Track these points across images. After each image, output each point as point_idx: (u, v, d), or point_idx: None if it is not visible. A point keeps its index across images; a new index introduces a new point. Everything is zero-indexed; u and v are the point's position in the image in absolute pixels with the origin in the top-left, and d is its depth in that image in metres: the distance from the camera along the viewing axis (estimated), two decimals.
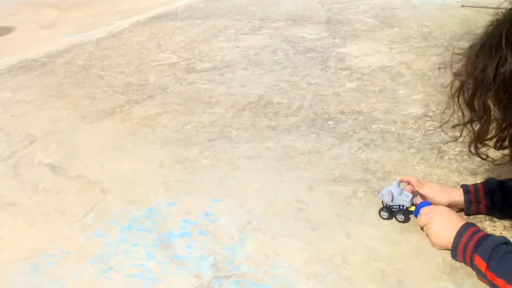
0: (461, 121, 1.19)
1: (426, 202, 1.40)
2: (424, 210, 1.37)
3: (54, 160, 2.04)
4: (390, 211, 1.43)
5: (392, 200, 1.41)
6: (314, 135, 2.00)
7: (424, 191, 1.42)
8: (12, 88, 2.86)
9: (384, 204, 1.44)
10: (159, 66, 2.93)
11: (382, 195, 1.44)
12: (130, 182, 1.83)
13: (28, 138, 2.25)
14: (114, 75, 2.86)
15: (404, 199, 1.40)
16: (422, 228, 1.36)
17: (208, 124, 2.19)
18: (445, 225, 1.28)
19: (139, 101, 2.49)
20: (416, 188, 1.44)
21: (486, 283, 1.15)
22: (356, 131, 1.99)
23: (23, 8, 4.87)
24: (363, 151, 1.84)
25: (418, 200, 1.44)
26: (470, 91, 1.12)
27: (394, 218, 1.42)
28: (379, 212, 1.45)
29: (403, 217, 1.41)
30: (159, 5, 4.31)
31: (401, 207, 1.41)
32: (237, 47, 3.11)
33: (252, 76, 2.66)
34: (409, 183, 1.46)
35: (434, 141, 1.86)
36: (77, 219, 1.65)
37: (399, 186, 1.43)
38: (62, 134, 2.26)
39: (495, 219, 1.40)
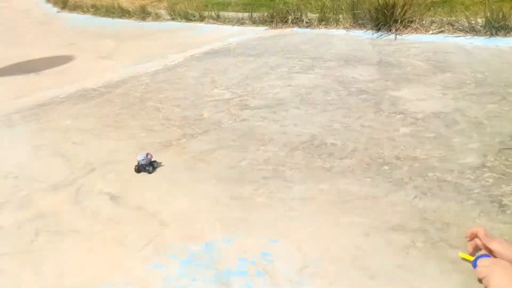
0: None
1: (486, 254, 1.38)
2: (482, 262, 1.35)
3: (113, 189, 2.11)
4: None
5: None
6: (369, 179, 2.00)
7: (493, 245, 1.39)
8: (72, 116, 3.00)
9: None
10: (214, 102, 3.01)
11: None
12: (187, 216, 1.87)
13: (88, 166, 2.34)
14: (170, 108, 2.96)
15: None
16: (480, 280, 1.34)
17: (262, 162, 2.23)
18: (506, 280, 1.26)
19: (195, 135, 2.56)
20: (483, 241, 1.41)
21: None
22: (412, 178, 1.98)
23: (84, 37, 5.12)
24: (420, 199, 1.83)
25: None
26: None
27: None
28: None
29: None
30: (212, 41, 4.45)
31: None
32: (289, 85, 3.17)
33: (305, 115, 2.69)
34: (476, 236, 1.44)
35: (494, 193, 1.82)
36: (136, 250, 1.69)
37: None
38: (120, 164, 2.34)
39: None
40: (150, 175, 2.21)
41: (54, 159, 2.44)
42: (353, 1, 4.42)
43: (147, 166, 2.23)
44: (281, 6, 4.99)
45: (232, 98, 3.04)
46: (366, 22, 4.22)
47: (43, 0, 7.94)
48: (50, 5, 7.49)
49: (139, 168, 2.24)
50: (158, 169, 2.25)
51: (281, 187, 2.01)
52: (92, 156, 2.43)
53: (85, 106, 3.12)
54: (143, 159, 2.23)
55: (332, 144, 2.35)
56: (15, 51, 4.81)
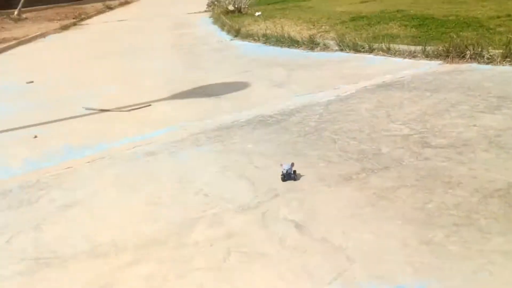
0: None
1: None
2: None
3: (297, 218, 2.17)
4: None
5: None
6: None
7: None
8: (253, 140, 3.16)
9: None
10: (391, 137, 2.95)
11: None
12: (374, 254, 1.84)
13: (271, 192, 2.44)
14: (346, 140, 2.97)
15: None
16: None
17: (452, 207, 2.10)
18: None
19: (375, 171, 2.53)
20: None
21: None
22: None
23: (257, 65, 5.42)
24: None
25: None
26: None
27: None
28: None
29: None
30: (384, 73, 4.39)
31: None
32: (474, 125, 2.97)
33: (497, 160, 2.49)
34: None
35: None
36: (325, 283, 1.70)
37: None
38: (302, 193, 2.40)
39: None
40: (331, 207, 2.22)
41: (240, 181, 2.59)
42: None
43: (292, 174, 2.51)
44: (457, 40, 4.74)
45: (411, 134, 2.95)
46: None
47: (219, 28, 8.63)
48: (224, 33, 8.09)
49: (285, 177, 2.51)
50: (340, 202, 2.26)
51: (477, 237, 1.87)
52: (274, 181, 2.53)
53: (264, 132, 3.27)
54: (289, 168, 2.52)
55: None
56: (197, 74, 5.27)
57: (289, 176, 2.52)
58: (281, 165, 2.55)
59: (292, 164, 2.53)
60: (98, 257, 2.07)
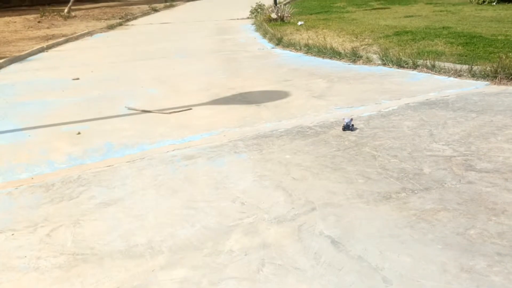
0: None
1: None
2: None
3: (334, 233, 2.14)
4: None
5: None
6: None
7: None
8: (291, 151, 3.15)
9: None
10: (434, 157, 2.88)
11: None
12: (412, 278, 1.80)
13: (308, 205, 2.42)
14: (387, 158, 2.92)
15: None
16: None
17: (496, 235, 2.04)
18: None
19: (415, 191, 2.47)
20: None
21: None
22: None
23: (297, 75, 5.41)
24: None
25: None
26: None
27: None
28: None
29: None
30: (428, 91, 4.31)
31: None
32: None
33: None
34: None
35: None
36: None
37: None
38: (339, 208, 2.37)
39: None
40: (369, 225, 2.19)
41: (276, 192, 2.58)
42: None
43: (351, 126, 3.40)
44: (506, 61, 4.61)
45: (454, 156, 2.88)
46: None
47: (260, 36, 8.66)
48: (265, 41, 8.11)
49: (345, 128, 3.40)
50: (378, 220, 2.22)
51: None
52: (312, 194, 2.51)
53: (303, 143, 3.26)
54: (349, 121, 3.43)
55: None
56: (237, 81, 5.30)
57: (348, 127, 3.42)
58: (344, 119, 3.49)
59: (352, 119, 3.48)
60: (133, 258, 2.10)
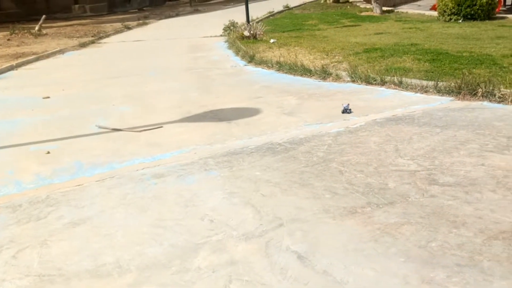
0: None
1: None
2: None
3: (300, 249, 2.18)
4: None
5: None
6: None
7: None
8: (261, 167, 3.19)
9: None
10: (398, 172, 2.96)
11: None
12: None
13: (276, 221, 2.46)
14: (353, 173, 2.99)
15: None
16: None
17: (456, 247, 2.11)
18: None
19: (380, 206, 2.54)
20: None
21: None
22: None
23: (269, 92, 5.48)
24: None
25: None
26: None
27: None
28: None
29: None
30: (395, 107, 4.42)
31: None
32: (482, 164, 2.98)
33: (503, 201, 2.50)
34: None
35: None
36: None
37: None
38: (306, 223, 2.41)
39: None
40: (335, 239, 2.23)
41: (245, 208, 2.62)
42: None
43: (349, 110, 4.28)
44: (469, 77, 4.78)
45: (418, 171, 2.96)
46: None
47: (233, 53, 8.74)
48: (238, 58, 8.18)
49: (344, 111, 4.30)
50: (343, 235, 2.27)
51: (479, 279, 1.87)
52: (280, 210, 2.55)
53: (272, 160, 3.31)
54: (347, 106, 4.35)
55: None
56: (209, 98, 5.33)
57: (346, 110, 4.30)
58: (342, 104, 4.40)
59: (348, 104, 4.38)
60: (101, 277, 2.09)
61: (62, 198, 2.93)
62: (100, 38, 12.10)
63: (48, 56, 9.62)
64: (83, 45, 10.98)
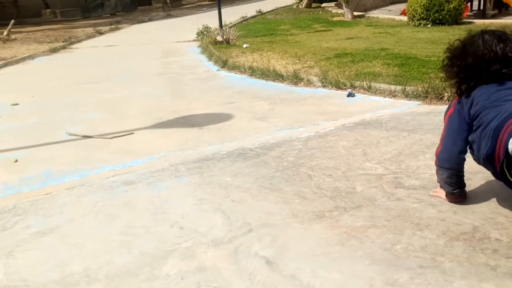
0: None
1: None
2: None
3: (268, 254, 2.21)
4: None
5: None
6: None
7: None
8: (232, 173, 3.22)
9: None
10: (366, 176, 3.02)
11: None
12: None
13: (245, 226, 2.49)
14: (322, 177, 3.04)
15: None
16: None
17: (419, 249, 2.17)
18: None
19: (347, 209, 2.59)
20: None
21: None
22: None
23: (241, 97, 5.51)
24: None
25: None
26: None
27: None
28: None
29: None
30: (364, 111, 4.50)
31: None
32: None
33: (465, 202, 2.57)
34: None
35: None
36: None
37: None
38: (275, 228, 2.44)
39: None
40: (303, 244, 2.27)
41: (215, 215, 2.63)
42: None
43: (353, 94, 5.11)
44: (437, 81, 4.90)
45: (385, 174, 3.03)
46: None
47: (206, 58, 8.75)
48: (211, 63, 8.20)
49: (348, 95, 5.13)
50: (311, 239, 2.31)
51: (440, 280, 1.93)
52: (249, 216, 2.58)
53: (243, 165, 3.33)
54: (351, 90, 5.17)
55: (497, 239, 2.21)
56: (181, 104, 5.33)
57: (350, 94, 5.13)
58: (347, 89, 5.22)
59: (352, 89, 5.20)
60: (68, 287, 2.08)
61: (30, 207, 2.90)
62: (72, 43, 11.96)
63: (17, 61, 9.46)
64: (53, 50, 10.83)
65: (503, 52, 2.24)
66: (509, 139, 2.04)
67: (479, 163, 2.36)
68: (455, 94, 2.47)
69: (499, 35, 2.31)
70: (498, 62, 2.24)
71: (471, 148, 2.39)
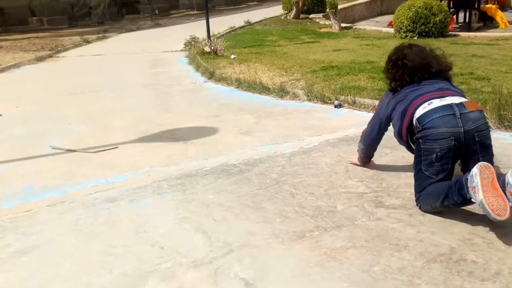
0: None
1: None
2: None
3: (248, 275, 2.22)
4: None
5: None
6: None
7: None
8: (215, 190, 3.22)
9: None
10: (347, 194, 3.05)
11: None
12: None
13: (226, 247, 2.49)
14: (304, 195, 3.06)
15: None
16: None
17: (397, 270, 2.19)
18: None
19: (328, 229, 2.61)
20: None
21: None
22: None
23: (227, 110, 5.52)
24: None
25: None
26: None
27: None
28: None
29: None
30: (348, 126, 4.53)
31: None
32: None
33: (443, 223, 2.61)
34: None
35: None
36: None
37: None
38: (256, 249, 2.45)
39: None
40: (283, 265, 2.28)
41: (196, 234, 2.64)
42: (500, 101, 4.26)
43: (339, 106, 5.21)
44: None
45: (366, 193, 3.06)
46: None
47: (193, 69, 8.76)
48: (198, 74, 8.21)
49: (336, 107, 5.25)
50: (291, 260, 2.32)
51: None
52: (230, 236, 2.59)
53: (226, 182, 3.34)
54: (339, 103, 5.27)
55: (473, 261, 2.24)
56: (167, 117, 5.33)
57: (338, 105, 5.25)
58: (332, 103, 5.37)
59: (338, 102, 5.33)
60: None
61: (9, 225, 2.88)
62: (58, 52, 11.91)
63: (2, 70, 9.40)
64: (40, 59, 10.77)
65: (421, 62, 2.96)
66: (414, 113, 2.78)
67: (398, 141, 3.07)
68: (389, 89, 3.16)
69: (421, 49, 3.05)
70: (418, 68, 2.95)
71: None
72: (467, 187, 2.37)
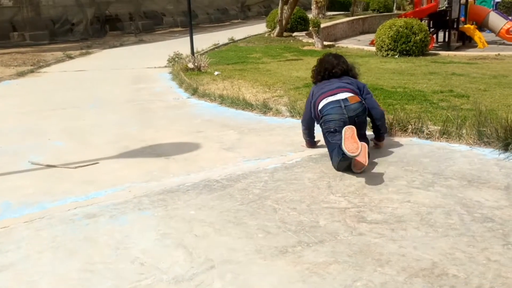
0: None
1: None
2: None
3: None
4: None
5: None
6: None
7: None
8: (196, 206, 3.19)
9: None
10: (330, 209, 3.05)
11: None
12: None
13: (207, 263, 2.46)
14: (287, 211, 3.04)
15: None
16: None
17: (379, 285, 2.18)
18: None
19: (310, 245, 2.60)
20: None
21: None
22: None
23: (210, 126, 5.51)
24: None
25: None
26: None
27: None
28: None
29: None
30: None
31: None
32: (409, 201, 3.12)
33: (425, 238, 2.62)
34: None
35: None
36: None
37: None
38: (237, 265, 2.43)
39: None
40: (264, 282, 2.26)
41: (177, 251, 2.60)
42: (479, 118, 4.33)
43: None
44: (401, 114, 5.01)
45: (349, 208, 3.06)
46: (492, 141, 4.08)
47: (177, 85, 8.75)
48: (182, 90, 8.19)
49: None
50: (273, 277, 2.29)
51: None
52: (212, 252, 2.56)
53: (208, 198, 3.31)
54: None
55: (454, 275, 2.25)
56: (149, 133, 5.30)
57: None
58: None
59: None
60: None
61: None
62: (40, 67, 11.79)
63: None
64: (21, 74, 10.65)
65: (331, 65, 4.25)
66: (318, 105, 4.04)
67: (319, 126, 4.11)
68: (313, 83, 4.47)
69: (336, 56, 4.38)
70: (329, 69, 4.24)
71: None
72: (341, 145, 3.49)
